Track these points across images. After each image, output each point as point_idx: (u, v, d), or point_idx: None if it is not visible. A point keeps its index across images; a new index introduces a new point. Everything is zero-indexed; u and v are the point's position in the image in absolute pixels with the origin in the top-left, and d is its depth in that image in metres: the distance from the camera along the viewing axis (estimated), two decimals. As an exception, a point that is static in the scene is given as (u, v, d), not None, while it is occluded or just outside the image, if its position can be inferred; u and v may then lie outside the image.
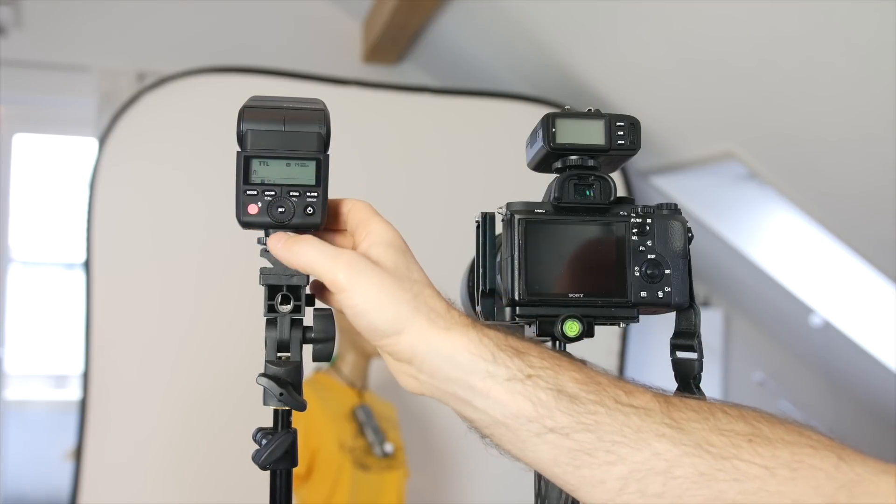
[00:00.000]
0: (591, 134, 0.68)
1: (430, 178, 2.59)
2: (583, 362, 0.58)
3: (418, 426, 2.45)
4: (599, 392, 0.54)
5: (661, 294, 0.66)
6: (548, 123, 0.67)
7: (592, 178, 0.68)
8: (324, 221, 0.61)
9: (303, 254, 0.59)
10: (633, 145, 0.68)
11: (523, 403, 0.54)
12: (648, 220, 0.67)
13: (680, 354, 0.68)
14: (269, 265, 0.63)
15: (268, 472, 0.63)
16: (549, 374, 0.55)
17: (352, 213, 0.63)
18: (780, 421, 0.53)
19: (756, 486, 0.50)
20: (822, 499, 0.48)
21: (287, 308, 0.62)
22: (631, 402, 0.54)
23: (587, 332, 0.65)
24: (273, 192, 0.61)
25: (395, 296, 0.57)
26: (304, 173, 0.61)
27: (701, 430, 0.52)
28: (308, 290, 0.64)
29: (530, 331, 0.68)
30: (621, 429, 0.53)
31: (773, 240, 2.93)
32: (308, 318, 0.64)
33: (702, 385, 0.67)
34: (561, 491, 0.67)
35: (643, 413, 0.53)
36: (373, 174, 2.51)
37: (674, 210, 0.68)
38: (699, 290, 2.05)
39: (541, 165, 0.71)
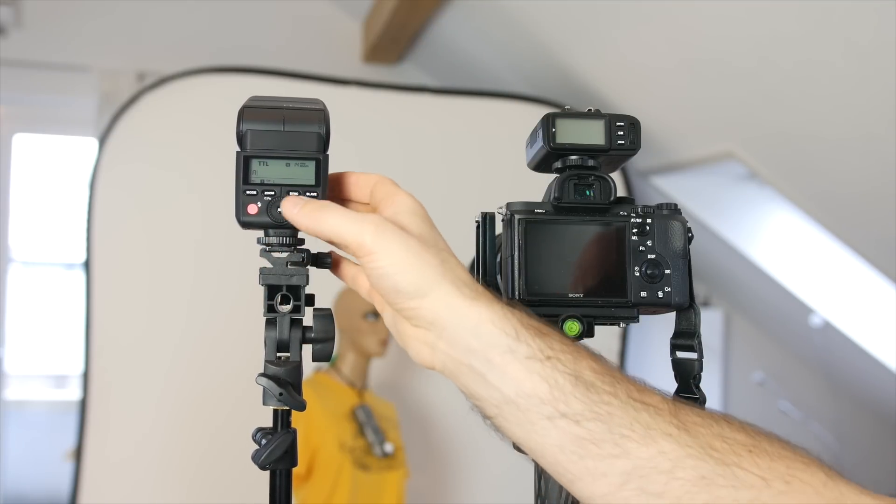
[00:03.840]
0: (591, 134, 0.68)
1: (429, 178, 2.59)
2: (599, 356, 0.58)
3: (418, 426, 2.45)
4: (614, 384, 0.54)
5: (661, 294, 0.66)
6: (548, 123, 0.67)
7: (592, 178, 0.68)
8: None
9: (326, 219, 0.58)
10: (633, 145, 0.68)
11: (540, 384, 0.53)
12: (648, 220, 0.67)
13: (680, 354, 0.68)
14: (269, 265, 0.63)
15: (267, 472, 0.63)
16: (569, 358, 0.54)
17: (378, 187, 0.62)
18: (777, 437, 0.54)
19: (752, 495, 0.50)
20: None
21: (287, 308, 0.62)
22: (643, 398, 0.54)
23: (587, 332, 0.65)
24: (273, 192, 0.61)
25: (422, 258, 0.56)
26: (303, 173, 0.61)
27: (706, 435, 0.53)
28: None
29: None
30: (631, 423, 0.52)
31: (773, 240, 2.93)
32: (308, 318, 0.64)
33: (702, 385, 0.67)
34: (561, 491, 0.67)
35: (653, 411, 0.53)
36: (373, 174, 2.51)
37: (674, 210, 0.68)
38: (699, 290, 2.05)
39: (541, 165, 0.71)
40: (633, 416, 0.53)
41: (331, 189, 0.62)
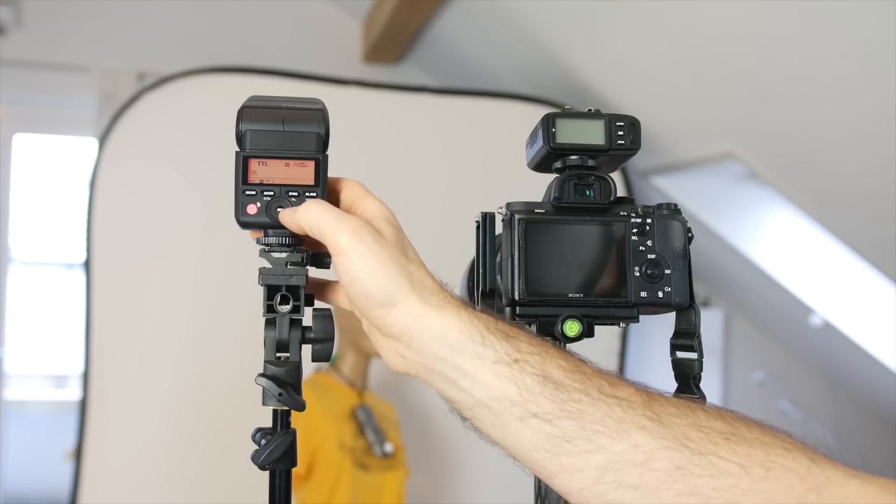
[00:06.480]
0: (591, 134, 0.68)
1: (429, 178, 2.59)
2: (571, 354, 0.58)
3: (418, 426, 2.45)
4: (584, 381, 0.55)
5: (661, 294, 0.66)
6: (548, 123, 0.67)
7: (592, 178, 0.68)
8: None
9: (309, 213, 0.59)
10: (633, 145, 0.68)
11: (509, 387, 0.54)
12: (648, 220, 0.67)
13: (680, 354, 0.68)
14: (269, 265, 0.63)
15: (267, 472, 0.63)
16: (537, 359, 0.55)
17: (345, 191, 0.63)
18: (757, 423, 0.54)
19: (730, 482, 0.50)
20: (793, 499, 0.49)
21: (286, 308, 0.62)
22: (614, 392, 0.55)
23: (587, 332, 0.65)
24: (272, 193, 0.61)
25: (393, 268, 0.57)
26: (303, 173, 0.61)
27: (680, 425, 0.53)
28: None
29: (530, 331, 0.68)
30: (603, 418, 0.53)
31: (773, 240, 2.93)
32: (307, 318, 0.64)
33: (702, 385, 0.67)
34: (561, 491, 0.67)
35: (626, 405, 0.54)
36: (372, 174, 2.49)
37: (674, 210, 0.68)
38: (699, 290, 2.05)
39: (541, 165, 0.71)
40: (605, 412, 0.53)
41: None
